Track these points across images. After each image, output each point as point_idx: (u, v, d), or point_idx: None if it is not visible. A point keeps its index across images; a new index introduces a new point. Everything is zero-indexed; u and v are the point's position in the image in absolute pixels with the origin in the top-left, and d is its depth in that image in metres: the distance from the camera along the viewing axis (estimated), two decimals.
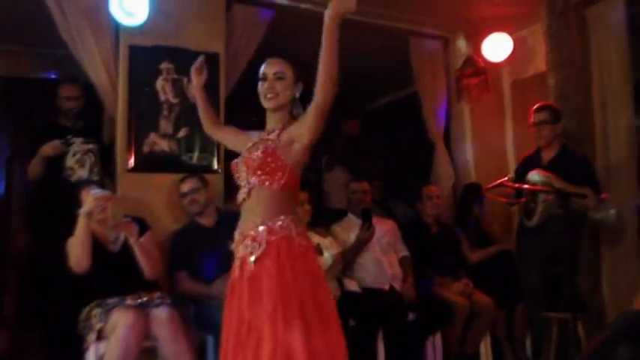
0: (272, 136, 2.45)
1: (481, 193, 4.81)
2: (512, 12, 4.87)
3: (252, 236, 2.36)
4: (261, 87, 2.49)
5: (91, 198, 3.20)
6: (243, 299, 2.34)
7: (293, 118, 2.50)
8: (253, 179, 2.41)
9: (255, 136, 2.55)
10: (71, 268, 3.22)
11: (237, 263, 2.42)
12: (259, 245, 2.34)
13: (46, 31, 4.03)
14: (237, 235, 2.45)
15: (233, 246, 2.46)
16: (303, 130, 2.37)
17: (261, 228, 2.36)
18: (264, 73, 2.50)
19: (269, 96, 2.47)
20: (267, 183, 2.38)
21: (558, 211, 3.69)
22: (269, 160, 2.38)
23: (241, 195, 2.44)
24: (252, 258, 2.34)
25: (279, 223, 2.37)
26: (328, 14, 2.24)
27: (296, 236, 2.38)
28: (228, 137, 2.77)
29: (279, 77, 2.48)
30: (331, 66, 2.27)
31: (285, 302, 2.26)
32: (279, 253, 2.33)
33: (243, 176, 2.45)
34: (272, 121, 2.53)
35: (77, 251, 3.20)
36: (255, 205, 2.40)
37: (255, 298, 2.31)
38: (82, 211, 3.20)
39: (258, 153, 2.40)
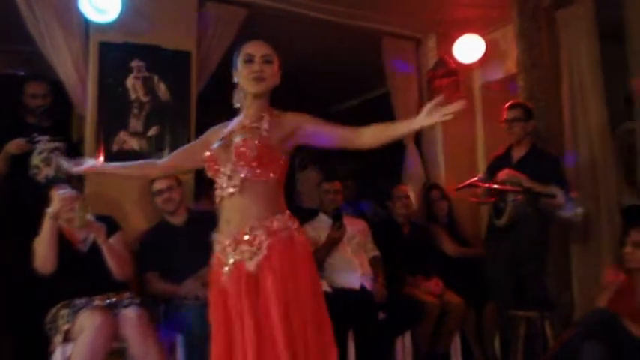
0: (263, 124, 2.31)
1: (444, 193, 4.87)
2: (484, 14, 4.92)
3: (249, 241, 2.23)
4: (247, 69, 2.32)
5: (57, 198, 3.16)
6: (240, 304, 2.20)
7: (273, 107, 2.40)
8: (246, 171, 2.25)
9: (228, 126, 2.42)
10: (36, 269, 3.17)
11: (227, 268, 2.26)
12: (258, 250, 2.21)
13: (13, 27, 3.96)
14: (223, 238, 2.29)
15: (218, 249, 2.31)
16: (328, 129, 2.33)
17: (259, 232, 2.23)
18: (250, 54, 2.33)
19: (256, 77, 2.31)
20: (263, 176, 2.26)
21: (527, 211, 3.74)
22: (266, 150, 2.26)
23: (228, 190, 2.27)
24: (252, 263, 2.21)
25: (277, 222, 2.26)
26: (410, 126, 2.17)
27: (296, 234, 2.29)
28: (194, 155, 2.50)
29: (267, 60, 2.34)
30: (374, 145, 2.25)
31: (292, 308, 2.19)
32: (282, 257, 2.22)
33: (230, 169, 2.27)
34: (254, 107, 2.37)
35: (43, 252, 3.15)
36: (248, 202, 2.25)
37: (258, 303, 2.19)
38: (49, 211, 3.15)
39: (255, 142, 2.25)
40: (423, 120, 2.11)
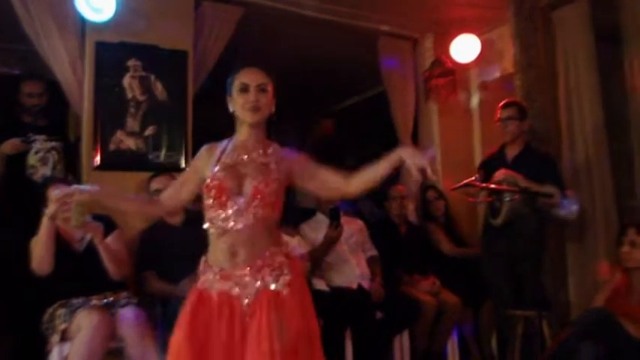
0: (271, 163, 2.30)
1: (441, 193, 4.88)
2: (481, 13, 4.92)
3: (270, 264, 2.21)
4: (243, 98, 2.28)
5: (53, 199, 3.14)
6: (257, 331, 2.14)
7: (269, 136, 2.38)
8: (260, 210, 2.23)
9: (221, 149, 2.36)
10: (33, 270, 3.15)
11: (248, 300, 2.18)
12: (281, 271, 2.22)
13: (8, 26, 3.95)
14: (231, 270, 2.22)
15: (223, 285, 2.22)
16: (307, 173, 2.34)
17: (278, 257, 2.24)
18: (245, 84, 2.29)
19: (252, 108, 2.28)
20: (273, 213, 2.28)
21: (524, 210, 3.74)
22: (277, 191, 2.27)
23: (237, 225, 2.22)
24: (279, 284, 2.20)
25: (284, 247, 2.31)
26: (389, 161, 2.24)
27: (294, 257, 2.35)
28: (190, 184, 2.43)
29: (262, 89, 2.30)
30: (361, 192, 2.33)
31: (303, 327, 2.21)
32: (299, 277, 2.27)
33: (242, 204, 2.23)
34: (252, 136, 2.34)
35: (39, 253, 3.14)
36: (257, 236, 2.23)
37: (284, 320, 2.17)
38: (46, 212, 3.13)
39: (272, 184, 2.25)
40: (399, 152, 2.25)
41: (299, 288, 2.27)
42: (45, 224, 3.12)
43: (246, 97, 2.28)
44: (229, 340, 2.16)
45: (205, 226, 2.30)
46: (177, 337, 2.23)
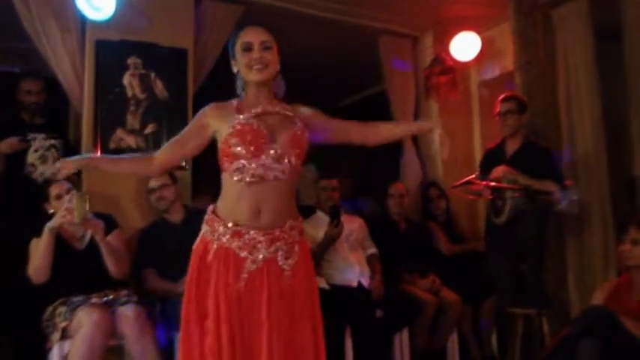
0: (289, 114, 2.26)
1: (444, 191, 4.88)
2: (481, 11, 4.92)
3: (285, 239, 2.17)
4: (247, 57, 2.22)
5: (60, 213, 3.14)
6: (264, 303, 2.12)
7: (275, 95, 2.33)
8: (294, 159, 2.18)
9: (230, 103, 2.28)
10: (29, 277, 3.17)
11: (256, 265, 2.15)
12: (292, 250, 2.19)
13: (8, 24, 3.95)
14: (252, 230, 2.16)
15: (238, 243, 2.16)
16: (340, 126, 2.33)
17: (294, 232, 2.20)
18: (248, 43, 2.22)
19: (259, 67, 2.21)
20: (299, 167, 2.22)
21: (525, 208, 3.74)
22: (304, 141, 2.23)
23: (272, 173, 2.14)
24: (287, 263, 2.17)
25: (300, 223, 2.27)
26: (404, 128, 2.29)
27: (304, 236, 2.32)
28: (191, 139, 2.37)
29: (266, 47, 2.23)
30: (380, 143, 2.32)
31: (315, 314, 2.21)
32: (307, 261, 2.24)
33: (276, 151, 2.16)
34: (263, 95, 2.27)
35: (37, 262, 3.15)
36: (285, 193, 2.19)
37: (285, 305, 2.16)
38: (48, 225, 3.13)
39: (302, 133, 2.19)
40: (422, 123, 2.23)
41: (305, 271, 2.24)
42: (46, 236, 3.13)
43: (251, 56, 2.22)
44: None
45: (228, 176, 2.20)
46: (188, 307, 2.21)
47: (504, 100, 4.12)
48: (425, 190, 5.00)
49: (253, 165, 2.15)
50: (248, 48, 2.23)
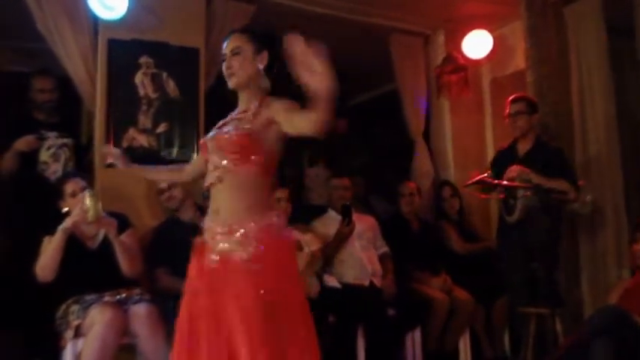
0: (248, 114, 2.29)
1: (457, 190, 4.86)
2: (493, 9, 4.91)
3: (244, 233, 2.19)
4: (224, 67, 2.37)
5: (71, 218, 3.16)
6: (222, 295, 2.18)
7: (267, 93, 2.37)
8: (226, 162, 2.26)
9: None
10: (36, 274, 3.18)
11: (212, 257, 2.23)
12: (251, 242, 2.18)
13: (22, 24, 3.97)
14: (214, 225, 2.26)
15: (207, 235, 2.28)
16: (287, 119, 2.22)
17: (252, 224, 2.20)
18: (223, 54, 2.37)
19: (227, 74, 2.34)
20: (242, 166, 2.24)
21: (537, 206, 3.72)
22: (245, 142, 2.24)
23: (210, 178, 2.29)
24: (244, 253, 2.17)
25: (267, 219, 2.24)
26: None
27: (282, 231, 2.28)
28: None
29: (235, 53, 2.33)
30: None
31: (272, 306, 2.14)
32: (267, 253, 2.20)
33: (214, 158, 2.29)
34: (242, 100, 2.38)
35: (45, 261, 3.15)
36: (233, 193, 2.25)
37: (240, 296, 2.15)
38: (63, 226, 3.15)
39: (232, 132, 2.26)
40: None
41: (271, 261, 2.21)
42: (59, 235, 3.14)
43: (224, 65, 2.36)
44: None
45: None
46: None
47: (514, 101, 4.08)
48: (438, 189, 4.98)
49: (209, 172, 2.33)
50: (223, 59, 2.37)
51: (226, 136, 2.27)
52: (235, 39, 2.37)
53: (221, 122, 2.41)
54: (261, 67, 2.35)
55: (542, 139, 4.09)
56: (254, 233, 2.20)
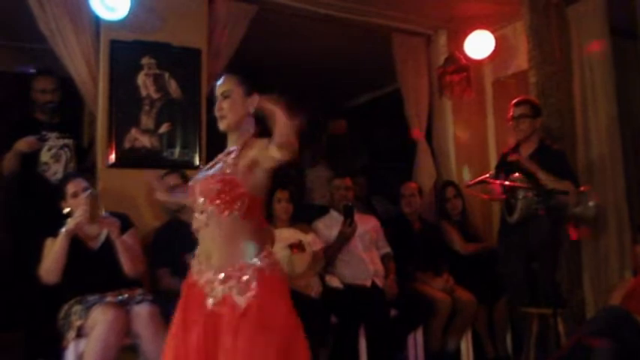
0: (230, 158, 2.32)
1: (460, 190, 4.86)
2: (495, 9, 4.90)
3: (237, 276, 2.22)
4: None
5: (73, 220, 3.16)
6: (222, 340, 2.19)
7: (255, 134, 2.39)
8: (211, 208, 2.27)
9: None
10: (40, 276, 3.18)
11: (213, 300, 2.24)
12: (247, 287, 2.20)
13: (24, 25, 3.98)
14: (205, 269, 2.29)
15: (198, 279, 2.31)
16: (265, 155, 2.22)
17: (248, 271, 2.22)
18: (216, 96, 2.43)
19: (218, 116, 2.39)
20: (226, 212, 2.25)
21: (538, 207, 3.71)
22: (227, 188, 2.25)
23: (197, 222, 2.32)
24: (242, 299, 2.19)
25: (259, 262, 2.25)
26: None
27: (271, 272, 2.28)
28: None
29: (225, 96, 2.39)
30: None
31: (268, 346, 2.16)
32: (267, 294, 2.22)
33: (200, 202, 2.31)
34: (231, 140, 2.42)
35: (50, 265, 3.16)
36: (222, 238, 2.27)
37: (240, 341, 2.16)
38: (66, 229, 3.15)
39: (215, 181, 2.27)
40: None
41: (267, 304, 2.22)
42: (62, 238, 3.15)
43: (215, 107, 2.41)
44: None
45: None
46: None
47: (517, 104, 4.06)
48: (441, 190, 4.97)
49: (195, 215, 2.35)
50: (214, 101, 2.43)
51: (209, 182, 2.30)
52: (226, 81, 2.42)
53: (211, 163, 2.44)
54: (250, 110, 2.39)
55: (545, 142, 4.07)
56: (248, 278, 2.22)
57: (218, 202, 2.26)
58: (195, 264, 2.36)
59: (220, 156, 2.43)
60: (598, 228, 4.23)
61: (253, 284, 2.22)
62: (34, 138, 3.88)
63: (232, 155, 2.33)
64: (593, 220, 4.05)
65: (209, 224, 2.29)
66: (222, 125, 2.40)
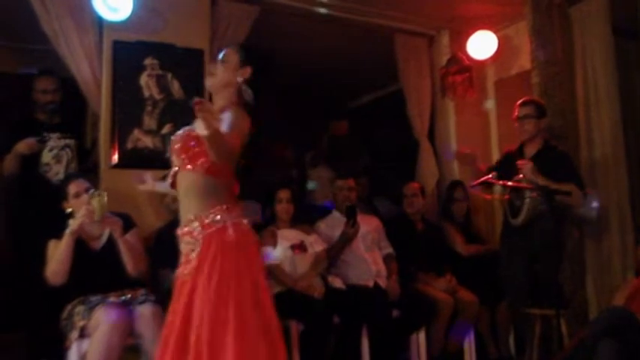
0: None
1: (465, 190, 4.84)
2: (497, 10, 4.90)
3: (190, 232, 2.31)
4: None
5: (77, 220, 3.16)
6: (188, 299, 2.26)
7: (241, 105, 2.43)
8: (177, 162, 2.39)
9: None
10: (46, 278, 3.18)
11: (182, 260, 2.36)
12: (196, 242, 2.28)
13: (27, 26, 3.98)
14: (179, 229, 2.38)
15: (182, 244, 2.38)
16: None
17: (195, 224, 2.29)
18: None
19: (208, 74, 2.54)
20: (188, 167, 2.33)
21: (543, 208, 3.70)
22: (192, 143, 2.32)
23: (169, 178, 2.44)
24: (193, 255, 2.28)
25: (212, 216, 2.28)
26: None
27: (230, 226, 2.29)
28: None
29: (223, 61, 2.49)
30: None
31: (217, 305, 2.18)
32: (210, 250, 2.25)
33: (174, 158, 2.44)
34: (214, 102, 2.50)
35: (56, 267, 3.16)
36: (183, 191, 2.37)
37: (198, 298, 2.22)
38: (70, 230, 3.15)
39: (181, 133, 2.39)
40: None
41: (212, 271, 2.24)
42: (67, 239, 3.15)
43: None
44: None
45: None
46: None
47: (523, 104, 4.04)
48: (449, 190, 4.94)
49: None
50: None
51: (177, 139, 2.39)
52: (228, 50, 2.52)
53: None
54: (240, 79, 2.44)
55: (549, 143, 4.06)
56: (198, 234, 2.28)
57: (183, 156, 2.35)
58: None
59: None
60: (601, 227, 4.22)
61: (198, 242, 2.28)
62: (34, 140, 3.88)
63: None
64: (595, 221, 4.04)
65: (175, 179, 2.41)
66: (207, 81, 2.52)
